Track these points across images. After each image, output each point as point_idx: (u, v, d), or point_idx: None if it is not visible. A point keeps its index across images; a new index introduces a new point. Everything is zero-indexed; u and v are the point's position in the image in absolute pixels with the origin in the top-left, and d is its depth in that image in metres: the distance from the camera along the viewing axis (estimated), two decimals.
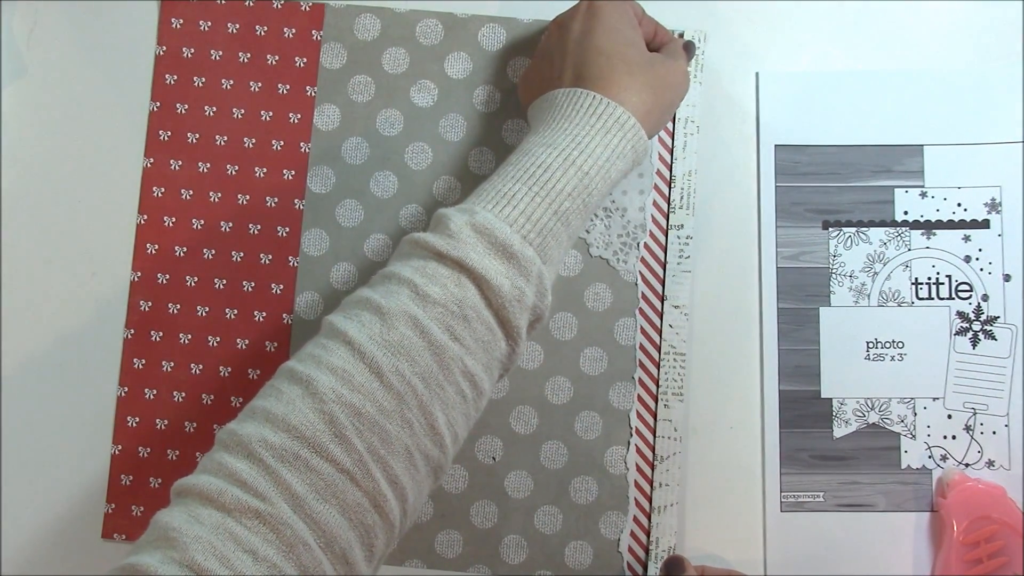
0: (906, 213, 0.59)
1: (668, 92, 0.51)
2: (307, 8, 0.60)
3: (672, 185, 0.59)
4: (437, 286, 0.42)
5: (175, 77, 0.60)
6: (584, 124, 0.47)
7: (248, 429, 0.39)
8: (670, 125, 0.59)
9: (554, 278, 0.46)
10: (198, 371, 0.59)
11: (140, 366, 0.59)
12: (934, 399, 0.58)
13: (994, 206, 0.59)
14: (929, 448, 0.58)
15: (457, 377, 0.42)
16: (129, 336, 0.59)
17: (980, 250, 0.59)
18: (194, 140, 0.60)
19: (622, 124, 0.47)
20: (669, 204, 0.59)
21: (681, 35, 0.59)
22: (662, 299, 0.59)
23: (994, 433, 0.58)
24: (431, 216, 0.59)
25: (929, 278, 0.59)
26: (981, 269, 0.58)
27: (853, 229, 0.59)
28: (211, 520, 0.37)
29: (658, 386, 0.58)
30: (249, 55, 0.60)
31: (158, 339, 0.59)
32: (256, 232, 0.59)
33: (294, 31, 0.60)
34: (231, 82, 0.60)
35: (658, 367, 0.58)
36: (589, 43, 0.50)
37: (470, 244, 0.43)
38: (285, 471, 0.38)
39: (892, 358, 0.58)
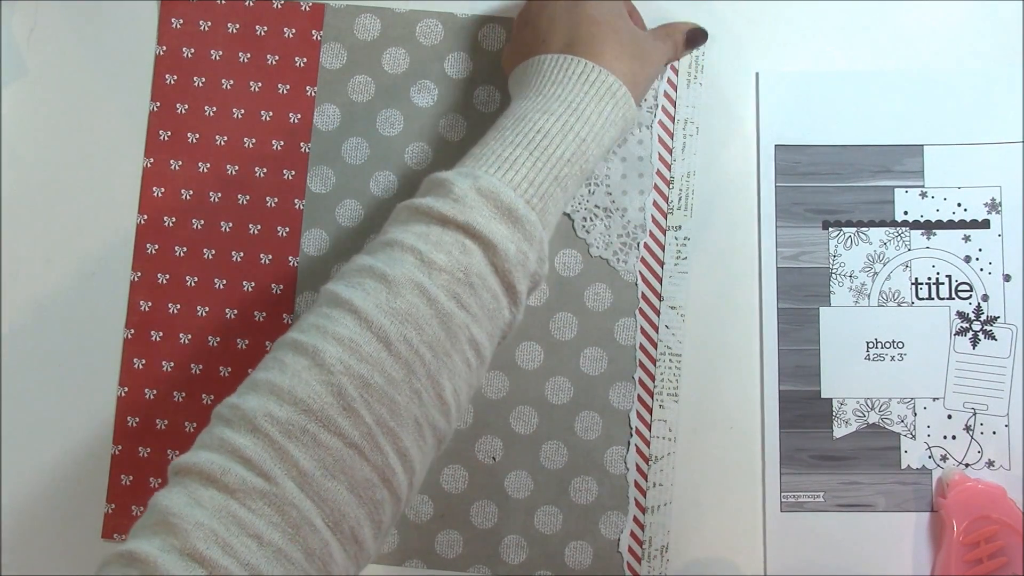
0: (906, 213, 0.59)
1: (650, 66, 0.51)
2: (307, 8, 0.60)
3: (671, 186, 0.59)
4: (442, 252, 0.41)
5: (175, 77, 0.60)
6: (578, 91, 0.47)
7: (251, 403, 0.38)
8: (670, 125, 0.59)
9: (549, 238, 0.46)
10: (198, 371, 0.59)
11: (140, 366, 0.59)
12: (934, 399, 0.58)
13: (994, 206, 0.59)
14: (929, 448, 0.58)
15: (464, 345, 0.41)
16: (129, 336, 0.59)
17: (980, 250, 0.58)
18: (194, 140, 0.60)
19: (614, 92, 0.48)
20: (668, 205, 0.59)
21: (703, 31, 0.58)
22: (661, 300, 0.59)
23: (994, 433, 0.58)
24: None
25: (929, 278, 0.59)
26: (981, 269, 0.58)
27: (853, 229, 0.59)
28: (213, 503, 0.36)
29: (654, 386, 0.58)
30: (249, 55, 0.60)
31: (158, 339, 0.59)
32: (256, 232, 0.59)
33: (294, 31, 0.60)
34: (231, 82, 0.60)
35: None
36: (580, 10, 0.50)
37: (476, 208, 0.42)
38: (292, 447, 0.37)
39: (892, 358, 0.58)
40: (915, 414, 0.58)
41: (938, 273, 0.59)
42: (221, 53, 0.60)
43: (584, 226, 0.59)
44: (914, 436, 0.58)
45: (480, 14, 0.60)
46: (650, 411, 0.58)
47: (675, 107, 0.59)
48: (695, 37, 0.57)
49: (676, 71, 0.59)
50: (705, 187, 0.59)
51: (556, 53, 0.49)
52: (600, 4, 0.50)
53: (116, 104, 0.60)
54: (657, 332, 0.58)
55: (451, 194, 0.42)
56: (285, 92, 0.60)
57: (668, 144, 0.59)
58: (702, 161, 0.59)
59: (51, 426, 0.59)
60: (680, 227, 0.59)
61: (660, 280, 0.59)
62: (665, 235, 0.59)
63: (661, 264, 0.59)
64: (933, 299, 0.58)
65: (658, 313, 0.58)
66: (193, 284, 0.59)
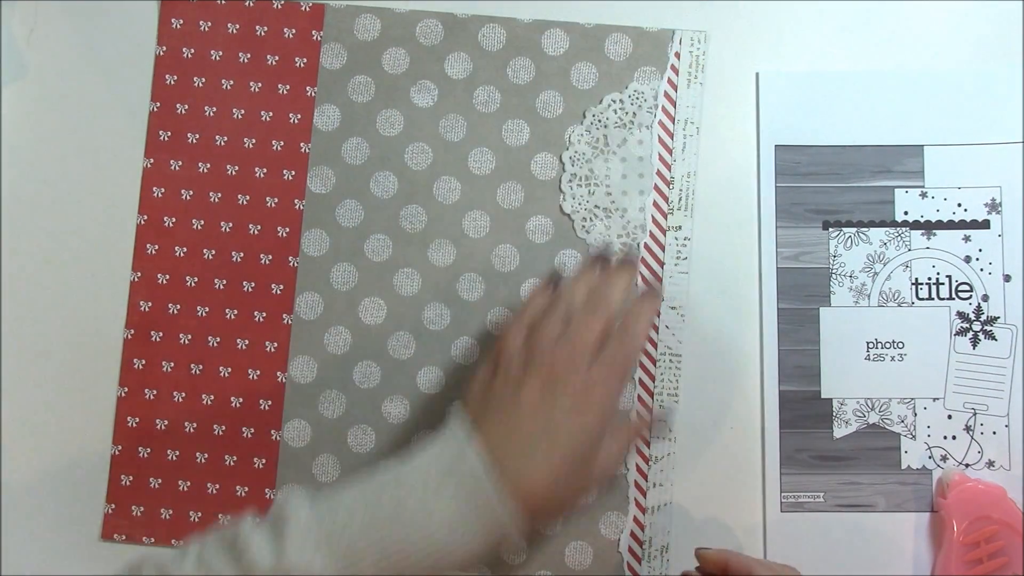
0: (906, 213, 0.59)
1: (582, 496, 0.51)
2: (307, 8, 0.60)
3: (671, 186, 0.59)
4: None
5: (175, 77, 0.60)
6: (474, 528, 0.44)
7: None
8: (670, 125, 0.59)
9: None
10: (198, 371, 0.59)
11: (140, 366, 0.59)
12: (934, 399, 0.58)
13: (994, 206, 0.59)
14: (929, 448, 0.58)
15: None
16: (129, 336, 0.59)
17: (980, 250, 0.58)
18: (194, 140, 0.60)
19: (511, 542, 0.45)
20: (668, 205, 0.59)
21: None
22: (661, 300, 0.59)
23: (994, 433, 0.58)
24: (431, 217, 0.59)
25: (929, 278, 0.59)
26: (981, 269, 0.58)
27: (853, 229, 0.59)
28: None
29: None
30: (249, 55, 0.60)
31: (158, 339, 0.59)
32: (256, 232, 0.59)
33: (294, 31, 0.60)
34: (231, 82, 0.60)
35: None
36: (562, 426, 0.46)
37: None
38: None
39: (892, 358, 0.58)
40: (915, 414, 0.58)
41: (938, 273, 0.59)
42: (221, 53, 0.60)
43: (584, 226, 0.59)
44: (914, 436, 0.58)
45: (480, 14, 0.60)
46: (650, 411, 0.58)
47: (675, 107, 0.59)
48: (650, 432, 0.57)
49: (677, 71, 0.59)
50: (705, 187, 0.59)
51: (487, 454, 0.45)
52: (583, 435, 0.47)
53: (116, 104, 0.60)
54: (657, 332, 0.58)
55: (282, 558, 0.42)
56: (285, 92, 0.60)
57: (668, 144, 0.59)
58: (702, 161, 0.59)
59: (51, 426, 0.59)
60: (680, 227, 0.59)
61: (660, 280, 0.59)
62: (665, 235, 0.59)
63: (661, 264, 0.59)
64: (933, 299, 0.58)
65: (658, 313, 0.58)
66: (193, 284, 0.59)
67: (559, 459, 0.46)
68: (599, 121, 0.59)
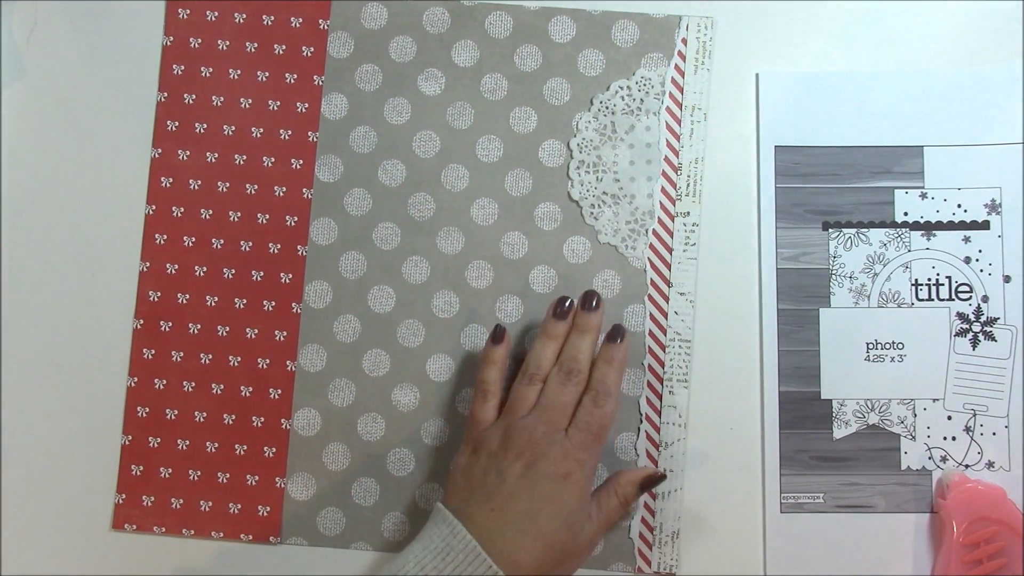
0: (906, 214, 0.59)
1: (576, 561, 0.52)
2: None
3: (679, 172, 0.59)
4: None
5: (182, 67, 0.60)
6: None
7: None
8: (678, 111, 0.59)
9: None
10: (207, 361, 0.59)
11: (150, 356, 0.59)
12: (934, 400, 0.58)
13: (994, 207, 0.59)
14: (929, 449, 0.58)
15: None
16: (138, 326, 0.59)
17: (980, 251, 0.58)
18: (202, 130, 0.60)
19: None
20: (676, 191, 0.59)
21: (658, 475, 0.55)
22: (670, 286, 0.59)
23: (994, 434, 0.58)
24: (439, 205, 0.59)
25: (929, 279, 0.58)
26: (981, 270, 0.58)
27: (853, 230, 0.59)
28: None
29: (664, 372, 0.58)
30: (256, 45, 0.60)
31: (167, 329, 0.59)
32: (264, 221, 0.59)
33: (301, 20, 0.60)
34: (238, 72, 0.60)
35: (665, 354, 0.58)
36: (547, 500, 0.50)
37: None
38: None
39: (892, 359, 0.58)
40: (915, 415, 0.58)
41: (938, 274, 0.58)
42: (228, 43, 0.60)
43: (592, 213, 0.59)
44: (914, 437, 0.58)
45: (487, 2, 0.60)
46: (660, 397, 0.58)
47: (682, 93, 0.59)
48: (649, 483, 0.55)
49: (684, 57, 0.59)
50: (713, 174, 0.59)
51: (478, 536, 0.48)
52: (563, 515, 0.50)
53: (123, 95, 0.60)
54: (666, 318, 0.58)
55: None
56: (292, 81, 0.60)
57: (676, 130, 0.59)
58: (709, 148, 0.59)
59: (61, 416, 0.59)
60: (688, 213, 0.59)
61: (669, 266, 0.59)
62: (673, 221, 0.59)
63: (670, 250, 0.59)
64: (933, 300, 0.58)
65: (667, 299, 0.59)
66: (202, 274, 0.59)
67: (547, 533, 0.49)
68: (606, 108, 0.59)
